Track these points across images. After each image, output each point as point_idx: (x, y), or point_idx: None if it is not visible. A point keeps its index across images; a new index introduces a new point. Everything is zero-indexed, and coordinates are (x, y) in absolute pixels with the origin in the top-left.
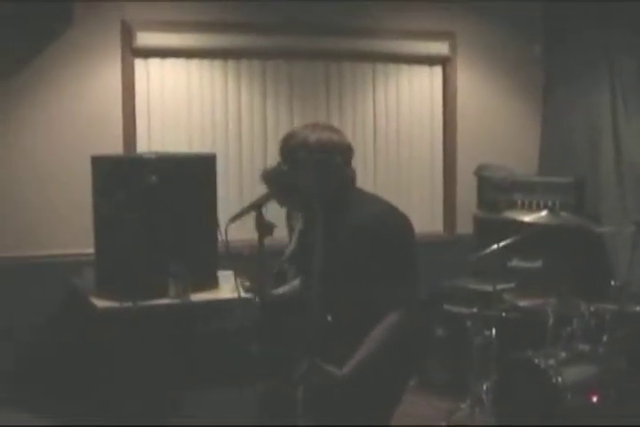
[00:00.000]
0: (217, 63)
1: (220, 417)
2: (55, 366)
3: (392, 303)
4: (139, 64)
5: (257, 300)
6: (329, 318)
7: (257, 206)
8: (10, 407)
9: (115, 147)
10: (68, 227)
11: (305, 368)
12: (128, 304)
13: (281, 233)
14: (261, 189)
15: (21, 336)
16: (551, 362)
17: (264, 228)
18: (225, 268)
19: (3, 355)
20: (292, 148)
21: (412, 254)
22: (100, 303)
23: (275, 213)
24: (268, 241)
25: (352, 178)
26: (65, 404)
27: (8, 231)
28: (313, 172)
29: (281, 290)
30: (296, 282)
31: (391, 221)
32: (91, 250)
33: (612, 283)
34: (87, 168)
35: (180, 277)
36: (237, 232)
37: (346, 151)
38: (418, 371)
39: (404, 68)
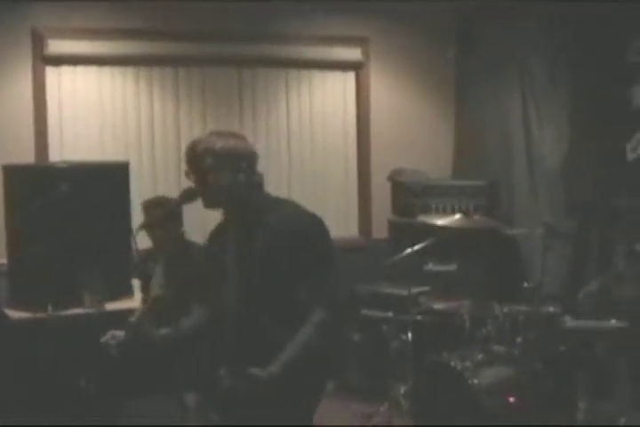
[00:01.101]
0: (129, 70)
1: None
2: None
3: (314, 302)
4: (50, 72)
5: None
6: (250, 323)
7: (168, 213)
8: None
9: (27, 156)
10: None
11: (226, 376)
12: (42, 315)
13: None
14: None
15: None
16: (467, 364)
17: None
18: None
19: None
20: (197, 155)
21: (331, 254)
22: (14, 314)
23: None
24: None
25: (259, 183)
26: None
27: None
28: (218, 178)
29: (163, 331)
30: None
31: (306, 222)
32: (3, 260)
33: (525, 284)
34: None
35: (94, 287)
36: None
37: (250, 157)
38: (336, 374)
39: (317, 73)
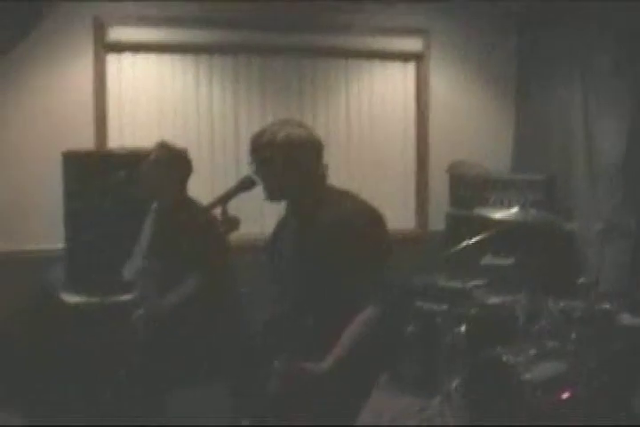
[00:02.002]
0: (189, 58)
1: (199, 417)
2: (25, 362)
3: (367, 298)
4: (111, 59)
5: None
6: (306, 318)
7: (222, 202)
8: None
9: (86, 143)
10: (39, 222)
11: (281, 366)
12: (97, 300)
13: (249, 228)
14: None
15: None
16: (520, 359)
17: (229, 223)
18: None
19: None
20: (261, 146)
21: (388, 250)
22: (70, 299)
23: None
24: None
25: (323, 175)
26: (35, 402)
27: None
28: (283, 170)
29: (172, 298)
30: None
31: (365, 217)
32: (62, 245)
33: (581, 280)
34: (59, 164)
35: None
36: None
37: (318, 147)
38: (388, 367)
39: (378, 64)
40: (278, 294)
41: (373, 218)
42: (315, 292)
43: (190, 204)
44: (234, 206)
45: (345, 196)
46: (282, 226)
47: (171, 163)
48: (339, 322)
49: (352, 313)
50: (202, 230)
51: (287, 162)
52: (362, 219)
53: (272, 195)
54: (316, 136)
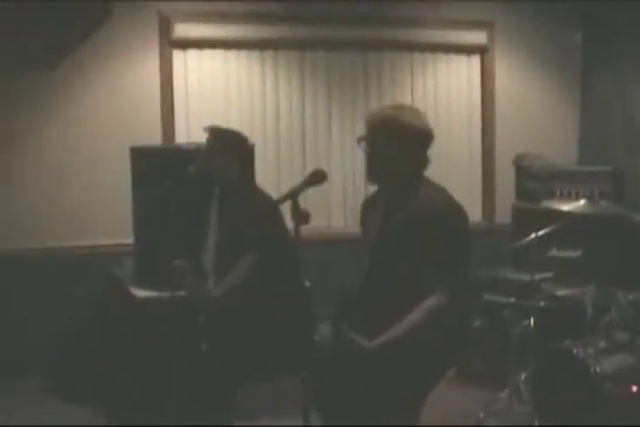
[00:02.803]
0: (254, 54)
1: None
2: (94, 355)
3: (436, 287)
4: (177, 55)
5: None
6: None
7: (293, 195)
8: (54, 396)
9: (154, 138)
10: (109, 217)
11: (334, 338)
12: (166, 294)
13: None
14: (299, 180)
15: (63, 326)
16: (590, 351)
17: (300, 216)
18: None
19: (42, 345)
20: (376, 127)
21: (465, 245)
22: (139, 293)
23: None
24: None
25: (424, 164)
26: (107, 394)
27: (48, 222)
28: (392, 153)
29: (219, 289)
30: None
31: (452, 211)
32: (131, 240)
33: None
34: (126, 159)
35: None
36: None
37: (426, 138)
38: (455, 362)
39: (442, 57)
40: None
41: (459, 214)
42: (387, 272)
43: (255, 189)
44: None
45: (440, 190)
46: (370, 204)
47: (224, 144)
48: (404, 308)
49: (417, 298)
50: (264, 215)
51: (400, 147)
52: (452, 213)
53: (372, 176)
54: (429, 126)
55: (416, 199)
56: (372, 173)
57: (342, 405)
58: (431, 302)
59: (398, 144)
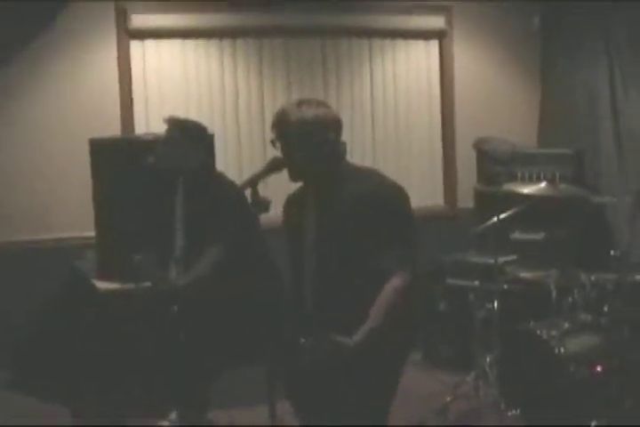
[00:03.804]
0: (212, 43)
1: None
2: (57, 348)
3: (395, 268)
4: (134, 46)
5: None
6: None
7: (252, 183)
8: (12, 390)
9: (113, 130)
10: (70, 210)
11: (313, 342)
12: (130, 286)
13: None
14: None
15: (23, 319)
16: (554, 333)
17: (259, 204)
18: None
19: (4, 338)
20: (277, 123)
21: (411, 222)
22: (102, 285)
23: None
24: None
25: (343, 152)
26: (67, 387)
27: (10, 215)
28: (307, 148)
29: (183, 280)
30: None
31: (387, 190)
32: (92, 233)
33: (612, 253)
34: (86, 151)
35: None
36: None
37: (336, 126)
38: (420, 341)
39: (401, 42)
40: (301, 274)
41: (399, 191)
42: (338, 265)
43: (218, 176)
44: (262, 188)
45: (369, 172)
46: (296, 201)
47: (184, 134)
48: (368, 293)
49: (381, 284)
50: (229, 203)
51: (300, 140)
52: (389, 192)
53: (291, 174)
54: (333, 115)
55: (350, 187)
56: (294, 172)
57: (325, 405)
58: (397, 282)
59: (300, 138)
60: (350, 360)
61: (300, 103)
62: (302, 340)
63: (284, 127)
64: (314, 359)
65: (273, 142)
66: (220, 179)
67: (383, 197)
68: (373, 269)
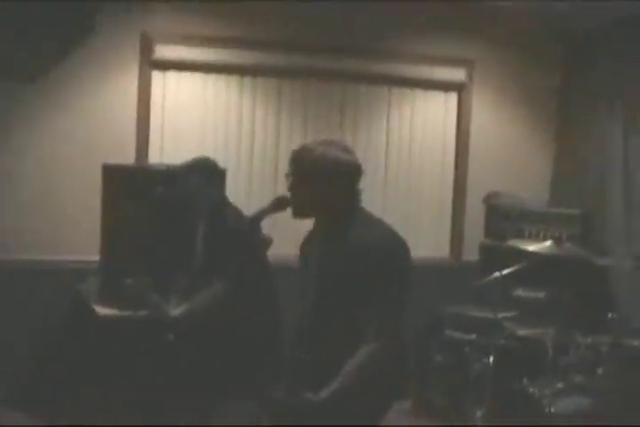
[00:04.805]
0: (233, 79)
1: None
2: (56, 371)
3: (375, 333)
4: (156, 76)
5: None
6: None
7: (256, 219)
8: (10, 410)
9: (127, 157)
10: (77, 233)
11: (280, 394)
12: (128, 313)
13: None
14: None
15: (24, 340)
16: (546, 392)
17: (262, 241)
18: None
19: (4, 359)
20: (297, 160)
21: (405, 283)
22: (102, 310)
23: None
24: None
25: (356, 200)
26: (65, 408)
27: (15, 235)
28: (315, 183)
29: (178, 310)
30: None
31: (390, 247)
32: (97, 257)
33: (610, 316)
34: (98, 176)
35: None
36: None
37: (355, 173)
38: (400, 396)
39: (420, 92)
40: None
41: (400, 248)
42: (328, 313)
43: (229, 210)
44: (268, 225)
45: (376, 222)
46: (309, 242)
47: (195, 172)
48: (344, 352)
49: (358, 344)
50: (237, 237)
51: (312, 176)
52: (389, 247)
53: (296, 210)
54: (355, 160)
55: (354, 235)
56: (295, 208)
57: None
58: (373, 347)
59: (320, 176)
60: (313, 417)
61: (323, 143)
62: (270, 394)
63: (302, 161)
64: (278, 413)
65: (287, 175)
66: (231, 212)
67: (383, 252)
68: (354, 327)
